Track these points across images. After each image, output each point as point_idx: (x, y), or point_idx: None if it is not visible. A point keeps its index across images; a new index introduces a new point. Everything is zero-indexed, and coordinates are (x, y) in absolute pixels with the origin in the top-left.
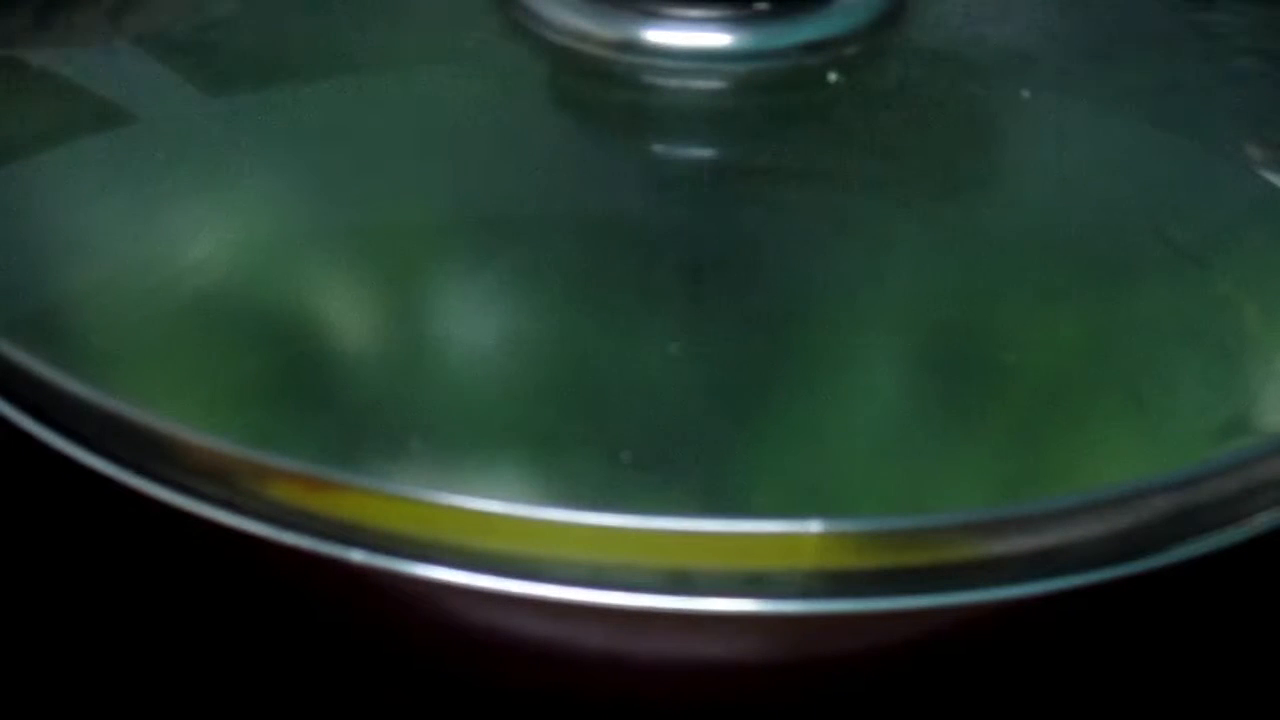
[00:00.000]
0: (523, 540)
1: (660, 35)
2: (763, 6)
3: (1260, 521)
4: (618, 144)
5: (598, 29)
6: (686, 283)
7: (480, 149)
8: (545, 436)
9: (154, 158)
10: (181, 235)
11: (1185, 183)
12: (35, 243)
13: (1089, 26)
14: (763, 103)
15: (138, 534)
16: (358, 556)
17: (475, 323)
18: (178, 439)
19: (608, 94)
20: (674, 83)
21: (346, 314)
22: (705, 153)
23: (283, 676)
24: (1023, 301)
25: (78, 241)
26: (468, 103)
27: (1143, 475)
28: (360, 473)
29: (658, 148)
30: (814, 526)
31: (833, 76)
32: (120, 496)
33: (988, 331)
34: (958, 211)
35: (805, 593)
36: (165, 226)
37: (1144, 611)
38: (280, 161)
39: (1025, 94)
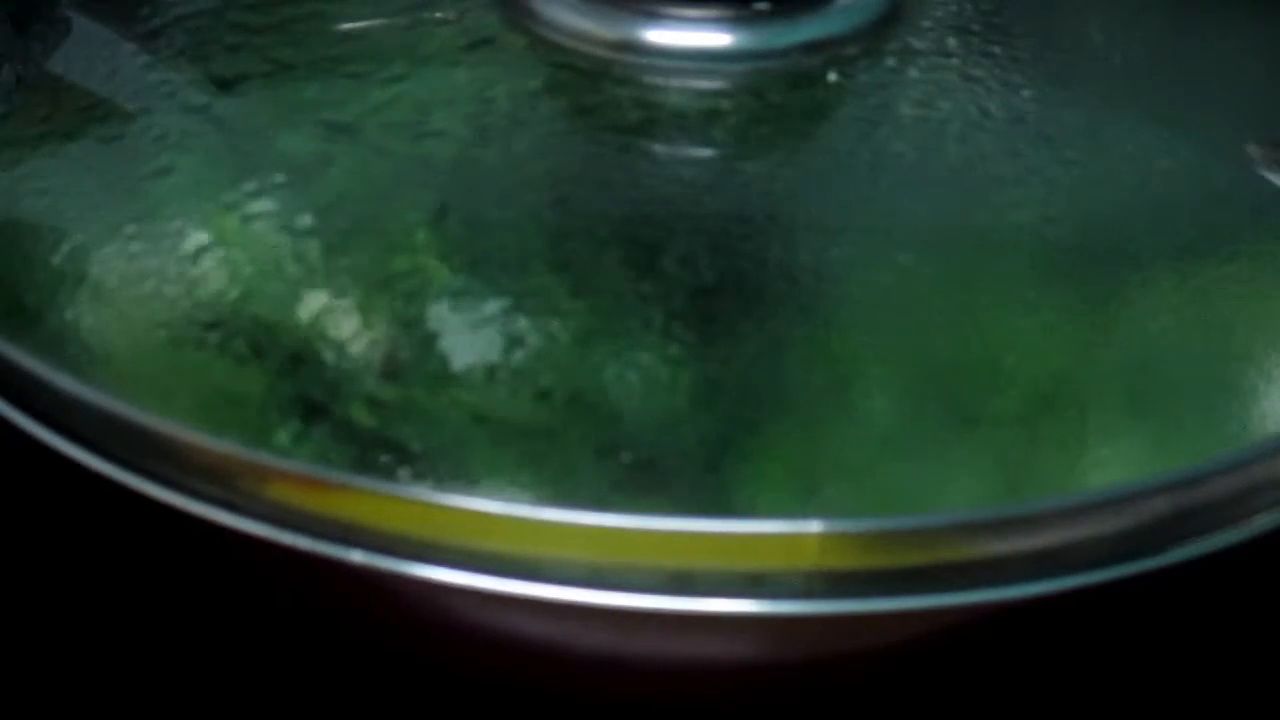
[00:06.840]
0: (523, 540)
1: (660, 35)
2: (763, 6)
3: (1260, 521)
4: (618, 144)
5: (598, 29)
6: (686, 282)
7: (479, 148)
8: (545, 437)
9: (156, 159)
10: (183, 237)
11: (1185, 183)
12: (37, 243)
13: (1088, 27)
14: (763, 103)
15: (138, 534)
16: (358, 556)
17: (474, 323)
18: (178, 439)
19: (608, 94)
20: (674, 83)
21: (346, 314)
22: (705, 152)
23: (282, 676)
24: (1022, 302)
25: (79, 242)
26: (467, 102)
27: (1143, 475)
28: (360, 473)
29: (658, 148)
30: (814, 526)
31: (833, 76)
32: (120, 496)
33: (987, 332)
34: (957, 211)
35: (805, 593)
36: (167, 227)
37: (1144, 611)
38: (280, 161)
39: (1024, 93)
